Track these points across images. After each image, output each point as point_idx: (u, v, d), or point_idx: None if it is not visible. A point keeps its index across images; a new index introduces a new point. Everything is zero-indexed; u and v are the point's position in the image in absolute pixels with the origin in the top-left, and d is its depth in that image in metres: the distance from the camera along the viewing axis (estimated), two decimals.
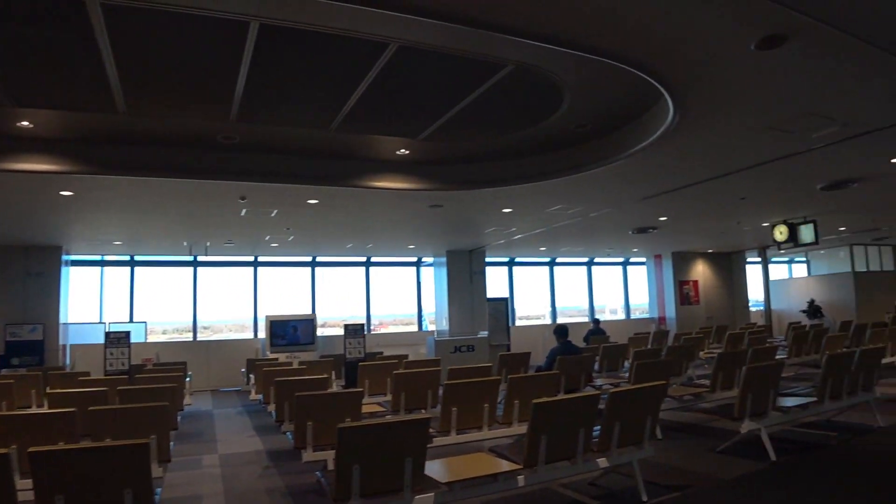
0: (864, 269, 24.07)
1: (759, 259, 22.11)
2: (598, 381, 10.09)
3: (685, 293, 21.74)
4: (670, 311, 21.63)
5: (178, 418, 8.43)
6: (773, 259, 26.89)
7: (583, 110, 7.58)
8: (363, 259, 19.84)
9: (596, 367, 11.48)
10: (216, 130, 8.06)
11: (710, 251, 22.18)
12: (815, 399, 7.25)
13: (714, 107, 6.62)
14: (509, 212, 12.17)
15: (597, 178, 9.37)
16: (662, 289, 21.97)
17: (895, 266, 25.38)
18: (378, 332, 20.25)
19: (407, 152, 9.19)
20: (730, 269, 23.36)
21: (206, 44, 5.53)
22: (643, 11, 4.49)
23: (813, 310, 23.53)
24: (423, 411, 7.59)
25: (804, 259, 27.24)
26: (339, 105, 7.00)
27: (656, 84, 5.77)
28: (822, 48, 5.17)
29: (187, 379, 11.46)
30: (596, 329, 16.72)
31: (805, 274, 26.90)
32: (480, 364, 9.33)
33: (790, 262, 28.09)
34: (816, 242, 14.25)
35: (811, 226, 14.18)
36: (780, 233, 14.65)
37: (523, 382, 6.84)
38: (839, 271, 24.10)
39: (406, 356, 11.72)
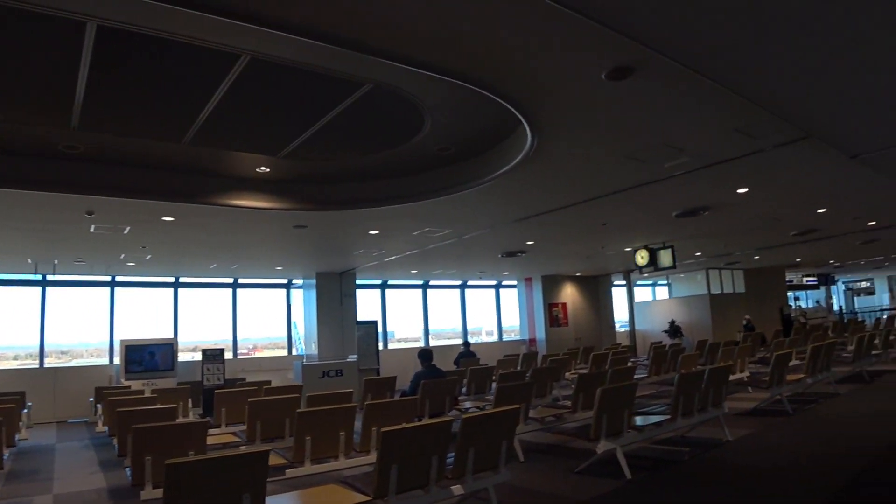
0: (719, 292, 25.58)
1: (624, 282, 23.12)
2: (467, 404, 10.10)
3: (554, 315, 22.33)
4: (540, 332, 22.13)
5: (5, 456, 7.68)
6: (638, 282, 28.14)
7: (445, 133, 7.59)
8: (230, 280, 19.02)
9: (464, 390, 11.52)
10: (57, 139, 7.42)
11: (578, 274, 22.95)
12: (668, 417, 7.50)
13: (571, 134, 6.80)
14: (376, 234, 12.03)
15: (462, 201, 9.41)
16: (532, 311, 22.46)
17: (745, 288, 27.13)
18: (252, 356, 19.52)
19: (268, 170, 8.85)
20: (597, 292, 24.26)
21: (41, 44, 5.09)
22: (493, 36, 4.52)
23: (673, 330, 24.72)
24: (281, 440, 7.30)
25: (666, 282, 28.69)
26: (191, 117, 6.60)
27: (512, 109, 5.84)
28: (667, 81, 5.40)
29: (25, 410, 10.54)
30: (466, 352, 16.80)
31: (667, 296, 28.31)
32: (347, 389, 9.07)
33: (654, 284, 29.57)
34: (674, 266, 15.00)
35: (669, 250, 14.91)
36: (642, 257, 15.31)
37: (381, 409, 6.68)
38: (697, 293, 25.50)
39: (268, 382, 11.30)
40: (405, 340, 22.72)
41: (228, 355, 17.37)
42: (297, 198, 9.45)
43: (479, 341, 23.56)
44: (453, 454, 4.91)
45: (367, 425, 6.36)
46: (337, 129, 7.11)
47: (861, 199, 12.36)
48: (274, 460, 6.05)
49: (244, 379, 13.31)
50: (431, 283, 22.42)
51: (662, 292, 29.67)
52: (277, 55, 5.06)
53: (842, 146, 7.10)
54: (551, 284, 22.48)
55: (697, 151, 7.66)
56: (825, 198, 11.76)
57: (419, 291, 22.42)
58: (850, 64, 5.04)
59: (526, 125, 6.36)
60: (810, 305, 40.96)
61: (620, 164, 7.92)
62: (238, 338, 19.13)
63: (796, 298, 36.56)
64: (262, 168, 8.78)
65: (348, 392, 8.20)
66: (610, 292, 24.74)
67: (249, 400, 7.54)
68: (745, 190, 10.19)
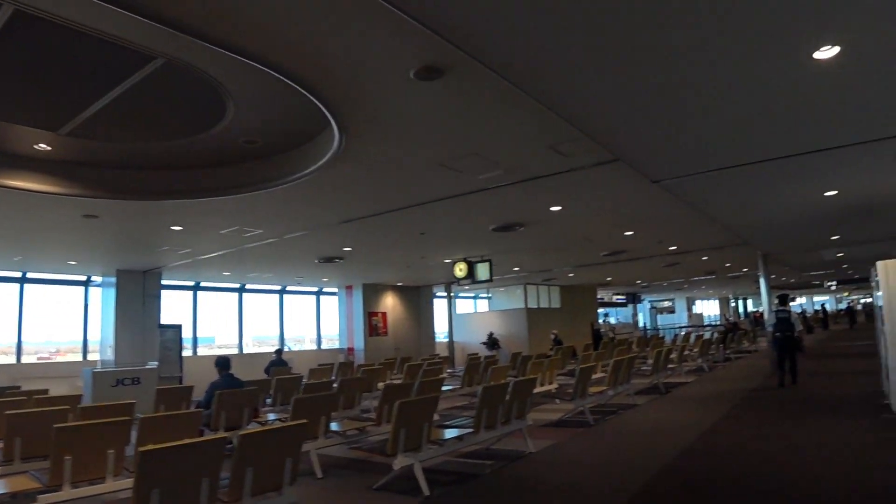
0: (536, 306, 26.55)
1: (446, 293, 23.35)
2: (271, 416, 9.55)
3: (374, 324, 22.10)
4: (359, 341, 21.78)
5: None
6: (460, 294, 28.61)
7: (251, 124, 7.09)
8: (17, 274, 16.78)
9: (269, 400, 10.95)
10: None
11: (399, 284, 22.89)
12: (471, 430, 7.41)
13: (382, 136, 6.55)
14: (180, 230, 11.13)
15: (271, 199, 8.89)
16: (352, 320, 22.08)
17: (561, 304, 28.36)
18: (52, 360, 17.56)
19: (49, 148, 7.77)
20: (418, 302, 24.34)
21: None
22: (291, 16, 4.16)
23: (491, 342, 25.28)
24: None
25: (487, 295, 29.40)
26: None
27: (316, 101, 5.48)
28: (479, 89, 5.28)
29: None
30: (277, 360, 16.10)
31: (487, 309, 28.99)
32: (130, 401, 8.16)
33: (476, 297, 30.17)
34: (491, 279, 15.24)
35: (487, 264, 15.11)
36: (460, 269, 15.41)
37: (159, 423, 6.02)
38: (516, 307, 26.29)
39: (45, 391, 10.12)
40: (227, 347, 21.50)
41: (10, 359, 15.57)
42: (85, 183, 8.40)
43: (304, 349, 22.84)
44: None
45: (141, 442, 5.65)
46: (129, 106, 6.38)
47: (663, 225, 13.16)
48: (26, 484, 5.28)
49: (19, 387, 11.83)
50: (248, 286, 21.37)
51: (484, 305, 30.40)
52: (49, 10, 4.36)
53: (645, 171, 7.43)
54: (372, 293, 22.24)
55: (511, 165, 7.68)
56: (632, 221, 12.38)
57: (233, 295, 21.26)
58: (655, 95, 5.19)
59: (333, 122, 6.02)
60: (620, 321, 43.66)
61: (434, 172, 7.79)
62: (28, 339, 17.03)
63: (606, 315, 38.83)
64: (42, 145, 7.68)
65: (129, 403, 7.34)
66: (431, 303, 24.92)
67: (6, 413, 6.56)
68: (559, 208, 10.45)
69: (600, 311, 39.20)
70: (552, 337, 23.15)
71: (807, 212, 11.04)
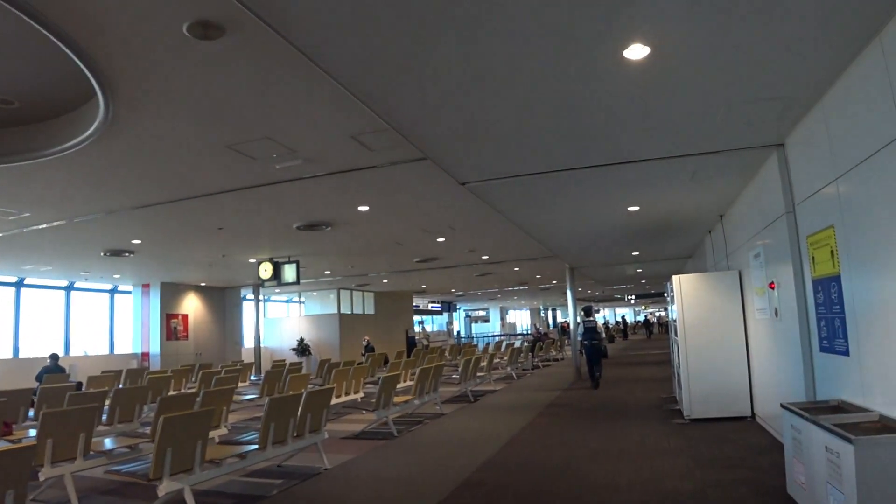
0: (349, 312, 25.89)
1: (257, 296, 22.06)
2: (32, 432, 8.19)
3: (173, 327, 20.37)
4: (155, 346, 19.90)
5: None
6: (272, 297, 27.36)
7: (6, 81, 5.80)
8: None
9: (31, 413, 9.52)
10: None
11: (203, 284, 21.25)
12: (256, 447, 6.65)
13: (156, 107, 5.53)
14: None
15: (32, 174, 7.44)
16: (148, 322, 20.17)
17: (375, 310, 27.90)
18: None
19: None
20: (224, 305, 22.81)
21: None
22: None
23: (302, 348, 24.34)
24: None
25: (300, 299, 28.29)
26: None
27: (73, 56, 4.45)
28: (269, 56, 4.53)
29: None
30: (53, 366, 14.18)
31: (302, 313, 27.88)
32: None
33: (289, 301, 28.94)
34: (298, 282, 14.39)
35: (294, 266, 14.28)
36: (266, 270, 14.47)
37: None
38: (329, 312, 25.48)
39: None
40: None
41: None
42: None
43: (93, 354, 20.49)
44: None
45: None
46: None
47: (475, 232, 13.00)
48: None
49: None
50: (28, 280, 18.74)
51: (298, 309, 29.24)
52: None
53: (453, 172, 7.02)
54: (172, 293, 20.41)
55: (312, 155, 6.99)
56: (443, 226, 12.07)
57: (9, 290, 18.58)
58: (456, 87, 4.74)
59: (96, 86, 4.99)
60: (436, 329, 44.00)
61: (223, 156, 6.85)
62: None
63: (421, 322, 38.93)
64: None
65: None
66: (239, 306, 23.44)
67: None
68: (367, 208, 9.89)
69: (416, 318, 39.26)
70: (364, 343, 22.59)
71: (611, 227, 11.28)
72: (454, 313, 47.04)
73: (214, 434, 8.35)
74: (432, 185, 8.47)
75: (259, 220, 10.45)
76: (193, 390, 12.09)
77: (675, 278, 9.59)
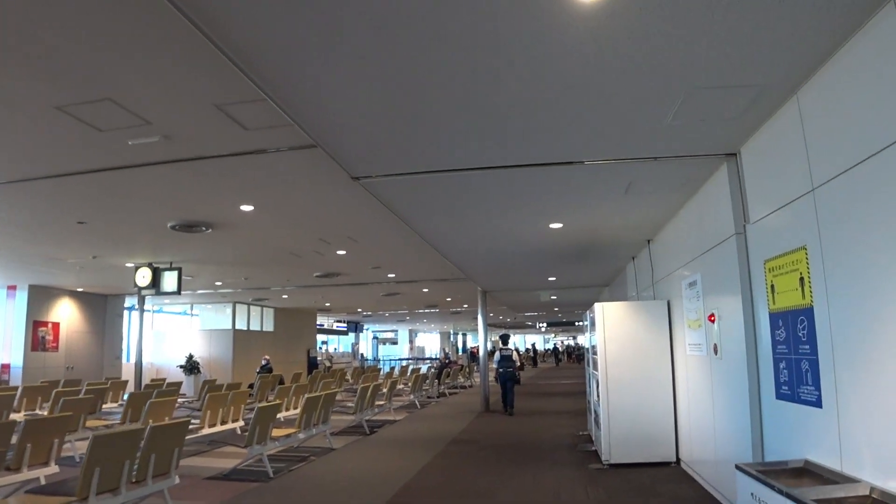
0: (245, 328, 24.07)
1: (150, 306, 20.06)
2: None
3: (41, 337, 17.99)
4: (18, 357, 17.48)
5: None
6: (164, 309, 25.25)
7: None
8: None
9: None
10: None
11: (80, 289, 18.99)
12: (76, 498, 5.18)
13: None
14: None
15: None
16: (11, 329, 17.74)
17: (275, 327, 26.14)
18: None
19: None
20: (104, 314, 20.59)
21: None
22: None
23: (190, 366, 22.41)
24: None
25: (191, 312, 26.11)
26: None
27: None
28: None
29: None
30: None
31: (197, 327, 25.62)
32: None
33: (185, 314, 26.60)
34: (178, 291, 12.77)
35: (176, 273, 12.68)
36: (143, 276, 12.79)
37: None
38: (223, 327, 23.60)
39: None
40: None
41: None
42: None
43: None
44: None
45: None
46: None
47: (377, 245, 11.78)
48: None
49: None
50: None
51: (191, 323, 27.00)
52: None
53: (346, 163, 5.69)
54: (42, 298, 17.95)
55: (171, 130, 5.60)
56: (340, 235, 10.78)
57: None
58: (348, 49, 3.51)
59: None
60: (343, 350, 42.25)
61: (58, 122, 5.36)
62: None
63: (325, 343, 37.16)
64: None
65: None
66: (121, 315, 21.12)
67: None
68: (250, 208, 8.51)
69: (321, 337, 37.50)
70: (262, 362, 20.90)
71: (530, 247, 10.15)
72: (361, 334, 45.44)
73: (40, 473, 6.78)
74: (324, 182, 7.23)
75: (125, 216, 8.87)
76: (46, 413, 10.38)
77: (598, 306, 8.62)
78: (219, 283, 17.25)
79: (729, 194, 5.57)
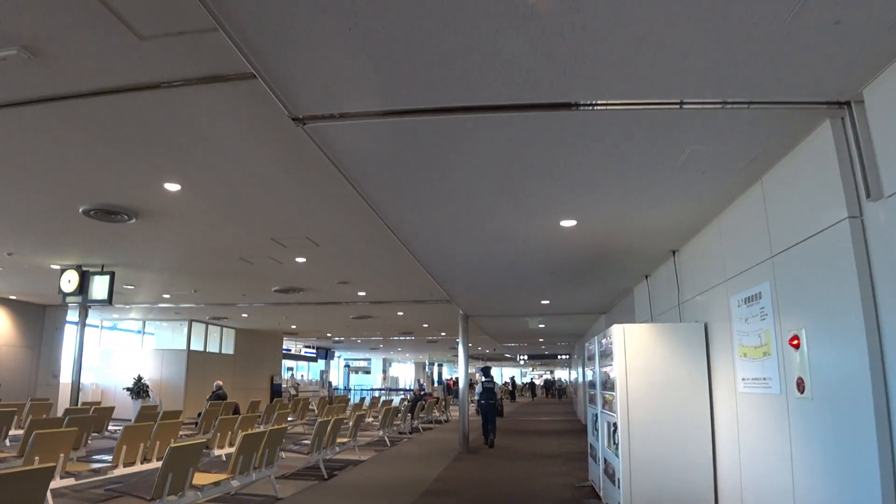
0: (202, 349, 21.94)
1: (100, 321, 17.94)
2: None
3: None
4: None
5: None
6: (117, 326, 23.08)
7: None
8: None
9: None
10: None
11: (13, 297, 16.83)
12: None
13: None
14: None
15: None
16: None
17: (235, 350, 24.01)
18: None
19: None
20: (41, 327, 18.40)
21: None
22: None
23: (138, 388, 20.26)
24: None
25: (152, 331, 23.87)
26: None
27: None
28: None
29: None
30: None
31: (152, 346, 23.30)
32: None
33: (141, 331, 24.22)
34: (110, 300, 10.80)
35: (108, 278, 10.74)
36: (69, 280, 10.86)
37: None
38: (177, 347, 21.48)
39: None
40: None
41: None
42: None
43: None
44: None
45: None
46: None
47: (342, 251, 9.94)
48: None
49: None
50: None
51: (143, 342, 24.58)
52: None
53: (288, 96, 3.85)
54: None
55: (34, 39, 3.81)
56: (299, 236, 8.94)
57: None
58: None
59: None
60: (313, 377, 39.93)
61: None
62: None
63: (290, 369, 34.91)
64: None
65: None
66: (62, 329, 18.85)
67: None
68: (177, 188, 6.68)
69: (288, 363, 35.28)
70: (214, 389, 18.78)
71: (529, 254, 8.15)
72: (331, 361, 43.21)
73: None
74: (263, 146, 5.42)
75: (14, 191, 6.94)
76: None
77: (617, 328, 6.85)
78: (167, 296, 15.23)
79: (836, 161, 3.83)
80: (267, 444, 7.94)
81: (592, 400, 9.01)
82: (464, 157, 4.66)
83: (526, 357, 39.77)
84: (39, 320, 18.27)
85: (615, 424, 6.73)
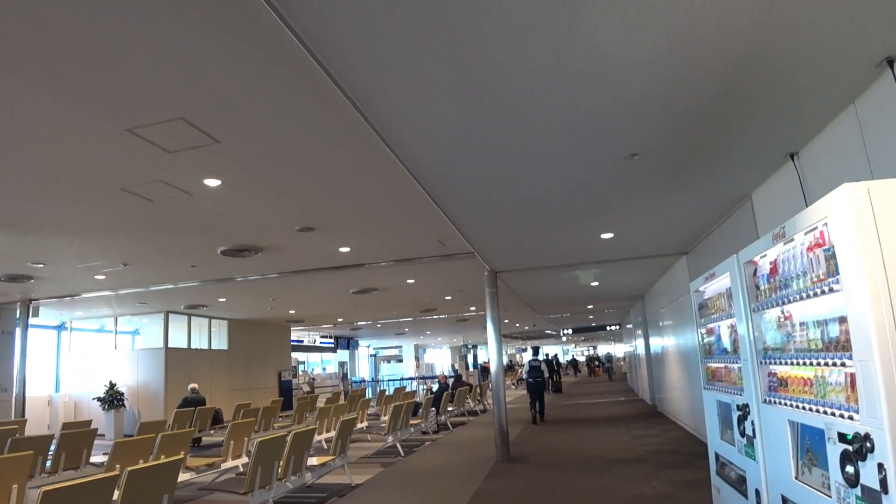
0: (185, 346, 18.35)
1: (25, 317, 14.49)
2: None
3: None
4: None
5: None
6: (106, 328, 19.68)
7: None
8: None
9: None
10: None
11: None
12: None
13: None
14: None
15: None
16: None
17: (230, 345, 20.44)
18: None
19: None
20: None
21: None
22: None
23: (111, 397, 16.84)
24: None
25: (130, 329, 20.35)
26: None
27: None
28: None
29: None
30: None
31: (126, 347, 19.74)
32: None
33: (134, 333, 20.68)
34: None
35: None
36: None
37: None
38: (154, 346, 17.96)
39: None
40: None
41: None
42: None
43: None
44: None
45: None
46: None
47: (273, 168, 6.14)
48: None
49: None
50: None
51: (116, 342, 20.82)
52: None
53: None
54: None
55: None
56: (169, 126, 5.21)
57: None
58: None
59: None
60: (334, 370, 36.36)
61: None
62: None
63: (300, 361, 31.22)
64: None
65: None
66: (12, 333, 15.28)
67: None
68: None
69: (303, 357, 31.69)
70: (189, 392, 15.24)
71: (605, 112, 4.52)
72: (356, 351, 39.63)
73: None
74: None
75: None
76: None
77: (845, 190, 2.99)
78: (100, 277, 11.58)
79: None
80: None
81: (715, 377, 5.24)
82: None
83: (570, 331, 35.57)
84: None
85: (853, 436, 2.88)
